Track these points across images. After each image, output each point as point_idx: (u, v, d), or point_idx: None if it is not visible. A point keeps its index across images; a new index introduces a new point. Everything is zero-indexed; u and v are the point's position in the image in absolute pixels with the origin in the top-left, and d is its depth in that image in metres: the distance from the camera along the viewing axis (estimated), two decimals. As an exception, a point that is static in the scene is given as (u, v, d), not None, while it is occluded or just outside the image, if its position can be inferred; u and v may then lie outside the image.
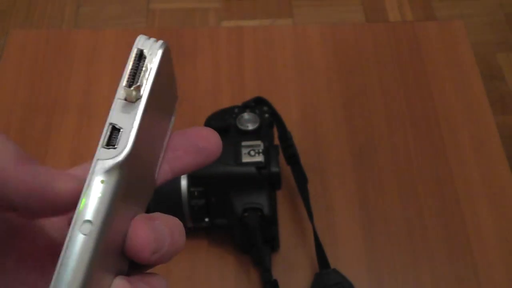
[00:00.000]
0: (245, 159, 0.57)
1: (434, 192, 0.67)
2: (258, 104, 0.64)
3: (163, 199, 0.57)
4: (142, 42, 0.26)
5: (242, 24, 1.78)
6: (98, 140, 0.24)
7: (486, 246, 0.63)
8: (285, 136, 0.62)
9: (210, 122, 0.63)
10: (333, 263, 0.60)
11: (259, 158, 0.57)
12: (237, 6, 1.84)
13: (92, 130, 0.73)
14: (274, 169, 0.58)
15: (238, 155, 0.57)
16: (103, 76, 0.78)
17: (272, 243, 0.61)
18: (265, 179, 0.57)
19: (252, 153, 0.57)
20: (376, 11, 1.84)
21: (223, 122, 0.62)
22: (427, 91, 0.77)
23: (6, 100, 0.76)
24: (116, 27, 1.70)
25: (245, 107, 0.63)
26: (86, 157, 0.70)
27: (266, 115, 0.62)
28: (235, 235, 0.60)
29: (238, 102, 0.66)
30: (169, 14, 1.82)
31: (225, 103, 0.75)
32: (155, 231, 0.24)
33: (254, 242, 0.56)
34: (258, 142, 0.58)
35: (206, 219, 0.59)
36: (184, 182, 0.58)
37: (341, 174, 0.69)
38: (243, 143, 0.58)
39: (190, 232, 0.62)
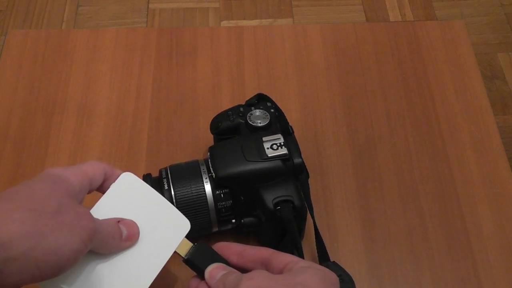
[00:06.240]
0: (270, 153, 0.57)
1: (434, 192, 0.67)
2: (260, 101, 0.64)
3: (189, 206, 0.57)
4: None
5: (242, 24, 1.78)
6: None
7: (486, 246, 0.63)
8: (288, 130, 0.63)
9: (218, 124, 0.63)
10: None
11: (283, 151, 0.57)
12: (237, 6, 1.84)
13: (92, 130, 0.73)
14: (297, 159, 0.58)
15: (262, 151, 0.57)
16: (103, 76, 0.78)
17: (300, 233, 0.60)
18: (291, 171, 0.57)
19: (275, 147, 0.57)
20: (376, 11, 1.84)
21: (232, 122, 0.62)
22: (427, 91, 0.77)
23: (6, 100, 0.76)
24: (116, 27, 1.70)
25: (249, 105, 0.64)
26: (85, 156, 0.70)
27: (272, 110, 0.63)
28: (263, 232, 0.60)
29: (238, 102, 0.66)
30: (169, 14, 1.82)
31: (225, 103, 0.75)
32: None
33: (290, 234, 0.56)
34: (278, 136, 0.58)
35: (233, 220, 0.59)
36: (208, 186, 0.57)
37: (341, 174, 0.69)
38: (264, 138, 0.58)
39: (216, 236, 0.61)
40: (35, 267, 0.39)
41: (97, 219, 0.46)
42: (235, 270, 0.48)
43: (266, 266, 0.47)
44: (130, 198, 0.51)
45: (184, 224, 0.51)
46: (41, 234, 0.40)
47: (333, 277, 0.45)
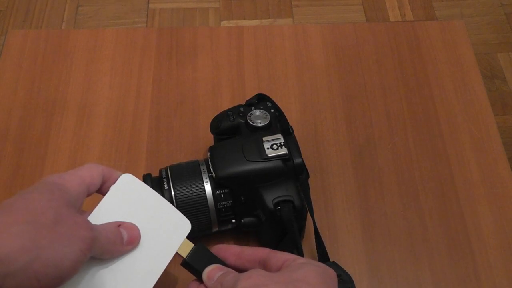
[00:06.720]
0: (270, 153, 0.57)
1: (434, 192, 0.67)
2: (260, 101, 0.64)
3: (189, 206, 0.57)
4: None
5: (242, 24, 1.78)
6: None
7: (486, 246, 0.63)
8: (288, 130, 0.63)
9: (218, 124, 0.63)
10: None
11: (283, 151, 0.57)
12: (237, 6, 1.84)
13: (92, 130, 0.73)
14: (297, 159, 0.58)
15: (262, 151, 0.57)
16: (103, 75, 0.78)
17: (300, 233, 0.61)
18: (291, 171, 0.57)
19: (275, 147, 0.57)
20: (376, 11, 1.84)
21: (232, 122, 0.62)
22: (427, 91, 0.77)
23: (6, 100, 0.76)
24: (116, 27, 1.70)
25: (249, 105, 0.64)
26: (85, 156, 0.70)
27: (272, 110, 0.63)
28: (263, 232, 0.60)
29: (238, 102, 0.66)
30: (169, 14, 1.83)
31: (225, 103, 0.75)
32: None
33: (290, 234, 0.56)
34: (278, 136, 0.58)
35: (233, 220, 0.59)
36: (208, 186, 0.57)
37: (341, 174, 0.69)
38: (264, 138, 0.58)
39: (216, 236, 0.61)
40: (35, 281, 0.39)
41: (96, 226, 0.46)
42: (232, 270, 0.48)
43: (264, 265, 0.47)
44: (130, 199, 0.51)
45: (184, 225, 0.51)
46: (39, 247, 0.39)
47: (331, 272, 0.45)
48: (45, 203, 0.42)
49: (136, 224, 0.49)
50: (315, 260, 0.48)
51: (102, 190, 0.50)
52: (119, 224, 0.48)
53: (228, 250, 0.50)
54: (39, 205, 0.42)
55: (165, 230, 0.50)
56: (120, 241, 0.47)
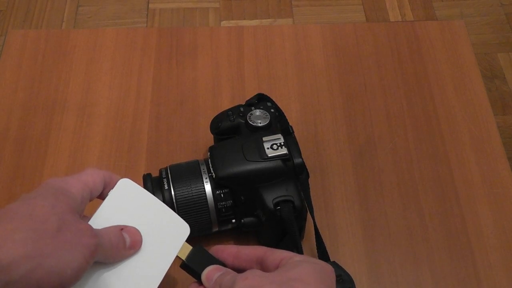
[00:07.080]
0: (270, 153, 0.57)
1: (434, 192, 0.67)
2: (260, 101, 0.64)
3: (189, 206, 0.57)
4: None
5: (242, 24, 1.78)
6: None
7: (486, 246, 0.63)
8: (288, 130, 0.63)
9: (218, 124, 0.63)
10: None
11: (283, 151, 0.57)
12: (237, 6, 1.84)
13: (92, 130, 0.73)
14: (297, 159, 0.58)
15: (262, 151, 0.57)
16: (103, 75, 0.78)
17: (300, 233, 0.61)
18: (291, 171, 0.57)
19: (275, 147, 0.57)
20: (376, 11, 1.84)
21: (232, 122, 0.62)
22: (427, 91, 0.77)
23: (6, 100, 0.76)
24: (116, 27, 1.70)
25: (249, 105, 0.64)
26: (85, 156, 0.70)
27: (272, 110, 0.63)
28: (263, 232, 0.60)
29: (238, 102, 0.66)
30: (169, 14, 1.83)
31: (225, 103, 0.75)
32: None
33: (290, 234, 0.56)
34: (278, 136, 0.58)
35: (233, 220, 0.59)
36: (208, 186, 0.57)
37: (341, 174, 0.69)
38: (264, 138, 0.58)
39: (216, 236, 0.61)
40: None
41: (100, 231, 0.45)
42: (231, 271, 0.48)
43: (262, 264, 0.47)
44: (129, 204, 0.51)
45: (183, 228, 0.51)
46: (42, 255, 0.39)
47: (328, 269, 0.45)
48: (49, 209, 0.42)
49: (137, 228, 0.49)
50: (312, 257, 0.48)
51: (102, 195, 0.50)
52: (121, 228, 0.48)
53: (226, 250, 0.50)
54: (43, 211, 0.42)
55: (164, 233, 0.50)
56: (123, 245, 0.47)
